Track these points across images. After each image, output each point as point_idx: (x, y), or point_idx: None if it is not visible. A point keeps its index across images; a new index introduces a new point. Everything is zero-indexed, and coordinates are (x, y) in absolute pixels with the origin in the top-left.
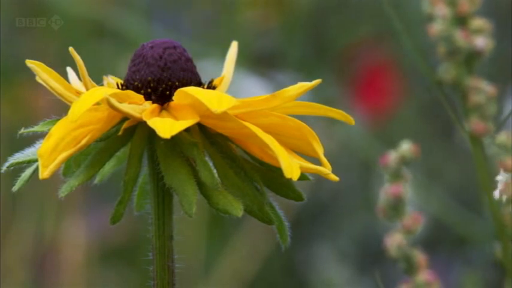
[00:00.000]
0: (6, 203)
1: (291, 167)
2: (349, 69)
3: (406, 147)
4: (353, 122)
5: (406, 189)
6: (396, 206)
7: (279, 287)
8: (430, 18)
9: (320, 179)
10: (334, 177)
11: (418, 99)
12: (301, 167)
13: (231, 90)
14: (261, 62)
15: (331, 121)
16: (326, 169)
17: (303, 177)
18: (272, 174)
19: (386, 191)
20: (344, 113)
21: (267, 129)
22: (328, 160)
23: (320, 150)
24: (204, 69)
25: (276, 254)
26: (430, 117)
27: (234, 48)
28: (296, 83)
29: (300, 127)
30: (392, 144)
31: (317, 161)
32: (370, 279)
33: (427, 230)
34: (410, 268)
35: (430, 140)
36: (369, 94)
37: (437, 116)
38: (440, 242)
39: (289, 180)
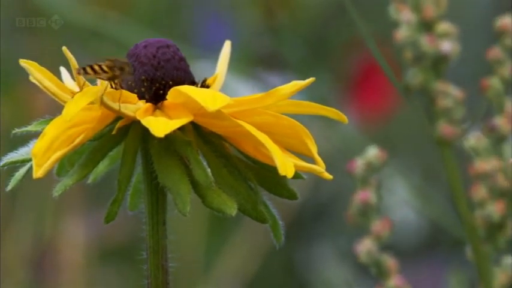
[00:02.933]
0: (5, 202)
1: (285, 164)
2: (347, 70)
3: (372, 153)
4: (346, 121)
5: (375, 195)
6: (365, 212)
7: (279, 287)
8: (396, 24)
9: (320, 179)
10: (328, 176)
11: (416, 99)
12: (295, 166)
13: (227, 94)
14: (260, 63)
15: (330, 122)
16: (320, 168)
17: (297, 175)
18: (266, 173)
19: (355, 198)
20: (337, 111)
21: (261, 128)
22: (328, 161)
23: (314, 149)
24: (202, 70)
25: (276, 253)
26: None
27: (227, 47)
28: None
29: (293, 125)
30: (391, 145)
31: (312, 161)
32: (370, 279)
33: (424, 232)
34: (381, 273)
35: (429, 142)
36: (367, 95)
37: None
38: (437, 244)
39: (283, 178)
